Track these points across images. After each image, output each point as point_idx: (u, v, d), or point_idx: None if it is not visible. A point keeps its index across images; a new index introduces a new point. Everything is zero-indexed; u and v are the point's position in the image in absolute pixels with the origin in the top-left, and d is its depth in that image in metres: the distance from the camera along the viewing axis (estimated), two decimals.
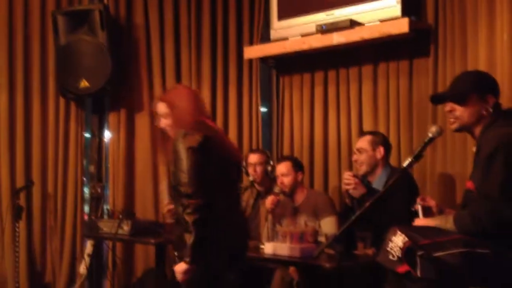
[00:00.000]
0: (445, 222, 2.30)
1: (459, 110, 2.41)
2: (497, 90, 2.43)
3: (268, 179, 3.79)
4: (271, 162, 3.84)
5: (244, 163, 3.87)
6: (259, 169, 3.77)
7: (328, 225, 3.30)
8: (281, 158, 3.68)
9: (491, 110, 2.37)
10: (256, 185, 3.82)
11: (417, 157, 2.48)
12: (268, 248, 2.89)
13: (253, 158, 3.82)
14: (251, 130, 4.38)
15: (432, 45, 3.52)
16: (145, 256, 4.39)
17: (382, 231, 2.32)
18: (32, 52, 4.55)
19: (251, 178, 3.79)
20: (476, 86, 2.42)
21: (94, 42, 4.28)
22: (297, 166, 3.56)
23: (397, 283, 2.22)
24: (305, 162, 3.89)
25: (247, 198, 3.85)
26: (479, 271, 2.15)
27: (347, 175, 3.01)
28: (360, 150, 3.20)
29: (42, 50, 4.56)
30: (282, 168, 3.51)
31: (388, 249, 2.22)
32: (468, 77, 2.53)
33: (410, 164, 2.48)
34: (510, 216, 2.13)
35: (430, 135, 2.50)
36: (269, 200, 3.44)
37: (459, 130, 2.49)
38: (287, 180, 3.48)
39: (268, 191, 3.71)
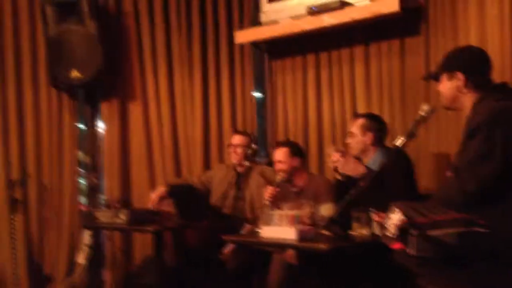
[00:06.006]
0: None
1: (439, 89, 2.48)
2: (472, 65, 2.41)
3: (249, 162, 3.80)
4: (253, 146, 3.84)
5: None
6: (239, 150, 3.77)
7: (326, 210, 3.30)
8: (277, 144, 3.66)
9: (464, 87, 2.38)
10: (237, 167, 3.82)
11: (410, 136, 2.50)
12: (264, 232, 2.89)
13: (236, 139, 3.82)
14: (244, 115, 4.37)
15: (423, 23, 3.51)
16: (143, 244, 4.40)
17: (380, 210, 2.33)
18: (22, 43, 4.53)
19: (233, 161, 3.80)
20: (445, 64, 2.46)
21: (83, 32, 4.26)
22: (295, 151, 3.54)
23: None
24: None
25: (227, 177, 3.84)
26: (476, 249, 2.16)
27: (333, 154, 2.99)
28: (350, 134, 3.21)
29: (32, 42, 4.54)
30: (278, 154, 3.50)
31: (386, 225, 2.24)
32: (446, 55, 2.54)
33: (403, 143, 2.50)
34: (471, 192, 2.13)
35: (422, 113, 2.51)
36: (267, 192, 3.44)
37: (446, 108, 2.52)
38: (282, 167, 3.47)
39: (249, 173, 3.72)
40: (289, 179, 3.48)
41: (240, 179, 3.83)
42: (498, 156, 2.14)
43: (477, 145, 2.17)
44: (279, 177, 3.42)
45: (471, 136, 2.20)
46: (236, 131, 4.08)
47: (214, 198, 3.86)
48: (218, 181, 3.88)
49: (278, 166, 3.48)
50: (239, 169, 3.83)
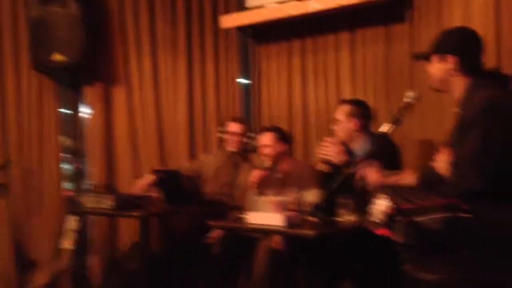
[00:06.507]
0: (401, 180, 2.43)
1: (428, 70, 2.44)
2: (464, 48, 2.38)
3: (244, 150, 3.80)
4: (251, 134, 3.85)
5: (222, 129, 3.89)
6: (237, 138, 3.78)
7: (311, 196, 3.32)
8: (263, 129, 3.66)
9: (454, 70, 2.34)
10: (234, 154, 3.82)
11: (396, 123, 2.51)
12: (251, 218, 2.91)
13: (233, 127, 3.81)
14: (228, 101, 4.36)
15: (408, 10, 3.52)
16: (129, 230, 4.40)
17: (365, 197, 2.35)
18: (3, 25, 4.43)
19: (230, 148, 3.79)
20: (436, 46, 2.42)
21: (66, 13, 4.18)
22: (281, 137, 3.55)
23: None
24: None
25: (219, 166, 3.84)
26: (460, 235, 2.18)
27: (327, 142, 3.02)
28: (336, 121, 3.22)
29: (13, 24, 4.45)
30: (264, 139, 3.51)
31: (371, 210, 2.26)
32: (438, 36, 2.49)
33: (390, 130, 2.51)
34: (476, 187, 2.12)
35: (407, 100, 2.52)
36: (254, 175, 3.45)
37: (433, 89, 2.49)
38: (268, 151, 3.48)
39: (243, 161, 3.73)
40: (274, 164, 3.49)
41: (234, 166, 3.83)
42: (497, 149, 2.12)
43: (474, 139, 2.14)
44: (267, 163, 3.44)
45: (468, 129, 2.18)
46: (233, 118, 4.04)
47: (207, 185, 3.86)
48: (211, 169, 3.88)
49: (264, 150, 3.49)
50: (233, 156, 3.83)
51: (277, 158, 3.49)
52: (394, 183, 2.53)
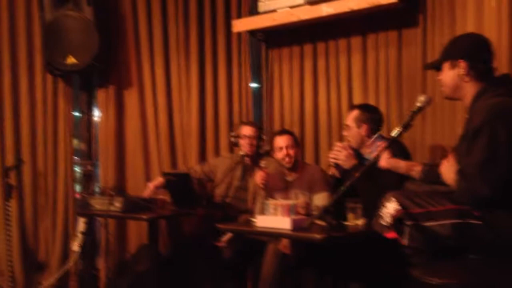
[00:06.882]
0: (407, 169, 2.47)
1: (441, 78, 2.44)
2: (475, 53, 2.38)
3: (257, 153, 3.80)
4: (263, 136, 3.84)
5: (235, 134, 3.88)
6: (253, 141, 3.77)
7: (320, 200, 3.30)
8: (282, 131, 3.60)
9: (466, 76, 2.34)
10: (247, 158, 3.81)
11: (406, 127, 2.50)
12: (259, 221, 2.90)
13: (248, 130, 3.80)
14: (241, 105, 4.36)
15: (421, 14, 3.50)
16: (137, 232, 4.41)
17: (374, 201, 2.32)
18: (18, 28, 4.50)
19: (242, 151, 3.77)
20: (447, 53, 2.43)
21: (80, 17, 4.23)
22: (297, 140, 3.55)
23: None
24: None
25: (231, 169, 3.83)
26: (469, 241, 2.15)
27: (338, 147, 3.01)
28: (346, 127, 3.20)
29: (28, 27, 4.52)
30: (288, 140, 3.45)
31: (381, 214, 2.24)
32: (448, 44, 2.51)
33: (399, 134, 2.50)
34: (487, 196, 2.09)
35: (418, 104, 2.51)
36: (258, 176, 3.44)
37: (447, 97, 2.50)
38: (293, 152, 3.45)
39: (255, 164, 3.72)
40: (293, 167, 3.46)
41: (246, 170, 3.82)
42: (504, 156, 2.10)
43: (481, 146, 2.12)
44: (264, 163, 3.44)
45: (474, 136, 2.15)
46: (245, 122, 4.02)
47: (219, 188, 3.85)
48: (223, 172, 3.87)
49: (288, 151, 3.42)
50: (246, 159, 3.81)
51: (296, 160, 3.47)
52: (401, 169, 2.55)
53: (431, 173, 2.35)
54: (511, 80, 2.40)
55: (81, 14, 4.22)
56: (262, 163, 3.49)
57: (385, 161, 2.61)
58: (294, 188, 3.40)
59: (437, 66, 2.49)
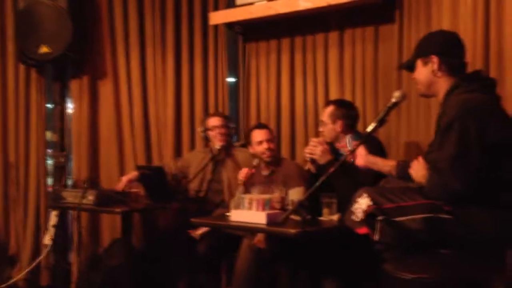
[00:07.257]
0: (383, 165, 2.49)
1: (415, 77, 2.47)
2: (446, 49, 2.41)
3: (230, 145, 3.78)
4: (232, 125, 3.83)
5: (203, 128, 3.85)
6: (224, 131, 3.74)
7: (296, 195, 3.29)
8: (261, 125, 3.58)
9: (438, 71, 2.37)
10: (216, 149, 3.76)
11: (381, 122, 2.51)
12: (234, 215, 2.88)
13: (216, 121, 3.78)
14: (217, 98, 4.32)
15: (398, 11, 3.51)
16: (111, 226, 4.35)
17: (350, 197, 2.33)
18: None
19: (217, 144, 3.74)
20: (419, 50, 2.47)
21: (54, 5, 4.14)
22: (273, 134, 3.54)
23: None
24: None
25: (204, 161, 3.80)
26: (441, 236, 2.17)
27: (314, 142, 3.00)
28: (322, 123, 3.21)
29: (0, 15, 4.40)
30: (267, 133, 3.44)
31: (353, 209, 2.25)
32: (419, 41, 2.54)
33: (374, 129, 2.52)
34: (459, 190, 2.11)
35: (393, 100, 2.52)
36: (242, 173, 3.41)
37: (422, 95, 2.53)
38: (273, 145, 3.44)
39: (227, 155, 3.70)
40: (274, 160, 3.44)
41: (218, 162, 3.79)
42: (475, 152, 2.12)
43: (453, 141, 2.14)
44: (256, 161, 3.40)
45: (446, 131, 2.18)
46: (211, 114, 4.00)
47: (193, 183, 3.82)
48: (196, 165, 3.84)
49: (269, 145, 3.41)
50: (218, 153, 3.77)
51: (274, 154, 3.46)
52: (377, 165, 2.56)
53: (406, 170, 2.36)
54: (483, 76, 2.44)
55: (55, 2, 4.13)
56: (254, 161, 3.45)
57: (362, 158, 2.61)
58: (269, 183, 3.38)
59: (410, 66, 2.51)
